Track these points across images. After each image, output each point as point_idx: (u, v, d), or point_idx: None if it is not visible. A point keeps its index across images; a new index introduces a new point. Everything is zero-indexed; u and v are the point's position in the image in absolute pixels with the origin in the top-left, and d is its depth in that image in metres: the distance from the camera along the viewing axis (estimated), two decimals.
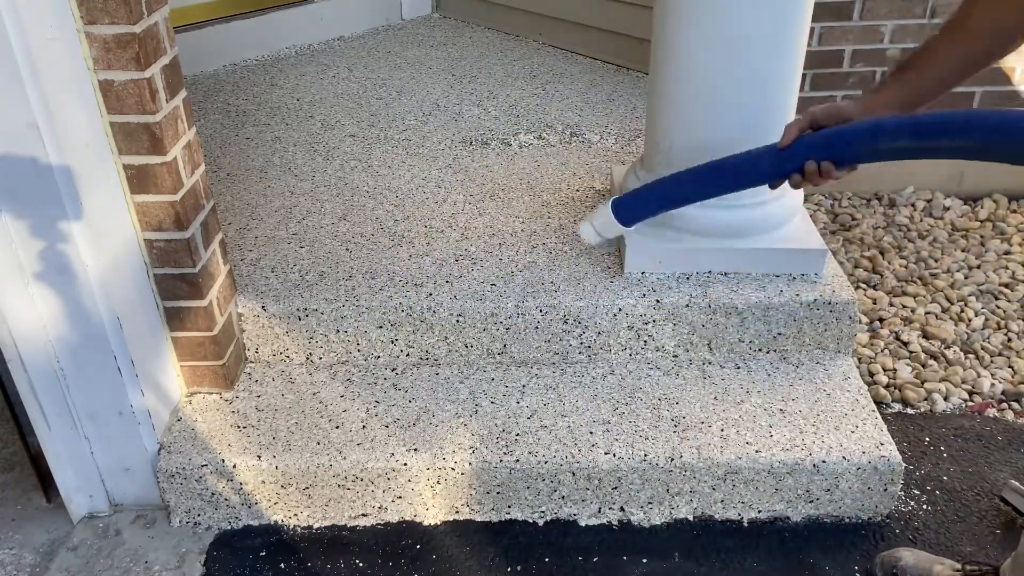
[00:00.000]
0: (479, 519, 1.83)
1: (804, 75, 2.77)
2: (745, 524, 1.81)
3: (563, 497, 1.80)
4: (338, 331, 1.97)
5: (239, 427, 1.84)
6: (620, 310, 1.95)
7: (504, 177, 2.49)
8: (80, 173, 1.50)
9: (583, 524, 1.81)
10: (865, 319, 2.43)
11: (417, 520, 1.83)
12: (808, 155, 1.36)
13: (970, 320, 2.40)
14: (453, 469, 1.76)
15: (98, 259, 1.58)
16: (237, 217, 2.30)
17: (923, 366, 2.26)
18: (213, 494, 1.79)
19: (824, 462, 1.74)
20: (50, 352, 1.64)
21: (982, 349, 2.31)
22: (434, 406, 1.89)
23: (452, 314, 1.95)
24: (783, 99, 1.90)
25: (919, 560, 1.65)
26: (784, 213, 2.02)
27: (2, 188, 1.46)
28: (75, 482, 1.80)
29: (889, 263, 2.66)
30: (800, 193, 2.08)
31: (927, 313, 2.44)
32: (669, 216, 2.01)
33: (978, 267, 2.64)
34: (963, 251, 2.72)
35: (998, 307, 2.46)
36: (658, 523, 1.81)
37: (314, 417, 1.86)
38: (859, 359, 2.27)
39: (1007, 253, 2.70)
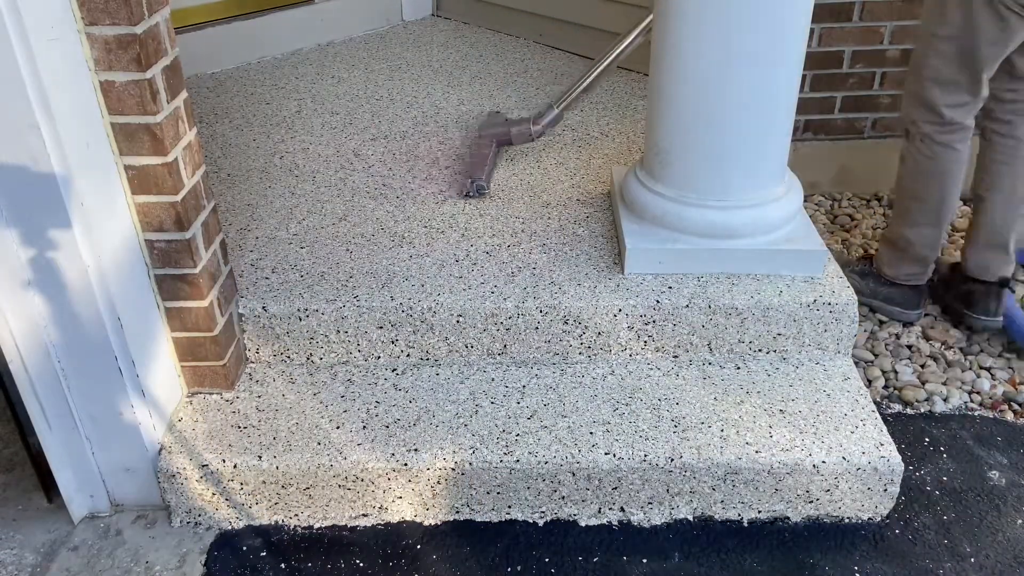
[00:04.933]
0: (479, 519, 1.83)
1: (804, 76, 2.77)
2: (745, 524, 1.81)
3: (563, 497, 1.80)
4: (339, 331, 1.97)
5: (240, 427, 1.84)
6: (620, 310, 1.95)
7: (504, 178, 2.49)
8: (81, 174, 1.50)
9: (583, 524, 1.82)
10: (865, 319, 2.44)
11: (417, 520, 1.83)
12: None
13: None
14: (453, 469, 1.76)
15: (99, 259, 1.58)
16: (238, 218, 2.31)
17: (923, 367, 2.26)
18: (214, 494, 1.80)
19: (824, 462, 1.75)
20: (50, 352, 1.64)
21: (982, 351, 2.31)
22: (434, 406, 1.89)
23: (452, 314, 1.95)
24: (783, 99, 1.91)
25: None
26: (784, 214, 2.03)
27: (2, 188, 1.47)
28: (76, 482, 1.80)
29: None
30: (800, 194, 2.08)
31: (927, 314, 2.44)
32: (669, 218, 2.02)
33: None
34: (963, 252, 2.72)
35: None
36: (658, 523, 1.81)
37: (315, 417, 1.86)
38: (859, 360, 2.27)
39: None
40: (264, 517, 1.83)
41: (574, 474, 1.77)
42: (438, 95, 3.08)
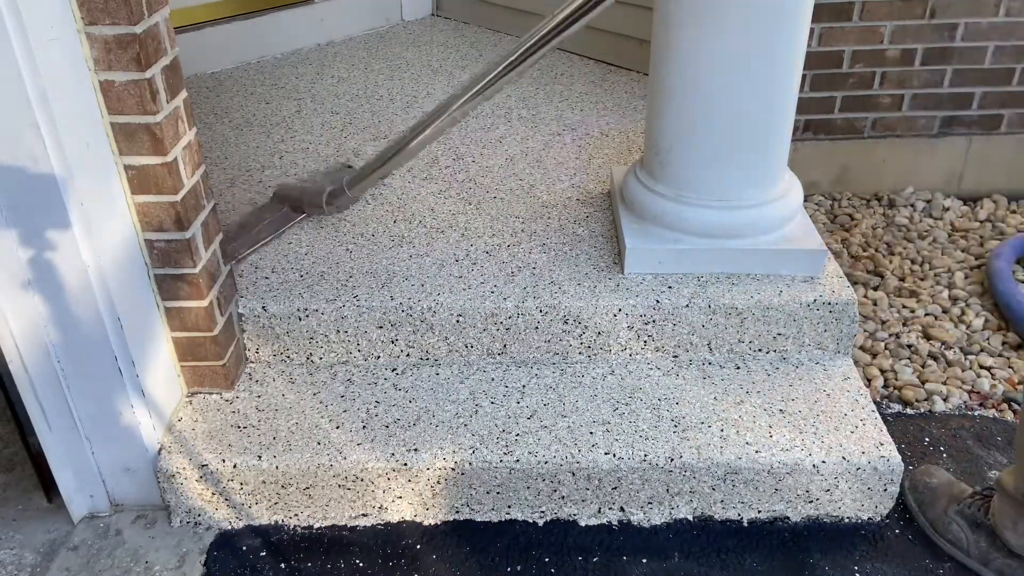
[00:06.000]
0: (479, 519, 1.83)
1: (804, 76, 2.78)
2: (745, 524, 1.81)
3: (563, 497, 1.80)
4: (338, 331, 1.97)
5: (239, 427, 1.84)
6: (620, 310, 1.95)
7: (504, 178, 2.49)
8: (80, 174, 1.50)
9: (583, 524, 1.82)
10: (866, 320, 2.44)
11: (417, 520, 1.83)
12: None
13: (970, 322, 2.41)
14: (453, 469, 1.76)
15: (98, 259, 1.58)
16: (238, 217, 2.31)
17: (923, 367, 2.26)
18: (213, 494, 1.80)
19: (824, 462, 1.75)
20: (50, 352, 1.64)
21: (982, 350, 2.31)
22: (434, 406, 1.89)
23: (452, 314, 1.95)
24: (783, 99, 1.91)
25: (942, 481, 1.80)
26: (784, 214, 2.03)
27: (2, 188, 1.47)
28: (75, 482, 1.80)
29: (889, 263, 2.66)
30: (800, 194, 2.08)
31: (927, 314, 2.44)
32: (669, 218, 2.02)
33: (978, 268, 2.64)
34: (963, 251, 2.72)
35: (998, 308, 2.46)
36: (658, 523, 1.81)
37: (315, 417, 1.86)
38: (858, 360, 2.27)
39: None
40: (264, 517, 1.83)
41: (574, 474, 1.77)
42: (438, 95, 3.08)
